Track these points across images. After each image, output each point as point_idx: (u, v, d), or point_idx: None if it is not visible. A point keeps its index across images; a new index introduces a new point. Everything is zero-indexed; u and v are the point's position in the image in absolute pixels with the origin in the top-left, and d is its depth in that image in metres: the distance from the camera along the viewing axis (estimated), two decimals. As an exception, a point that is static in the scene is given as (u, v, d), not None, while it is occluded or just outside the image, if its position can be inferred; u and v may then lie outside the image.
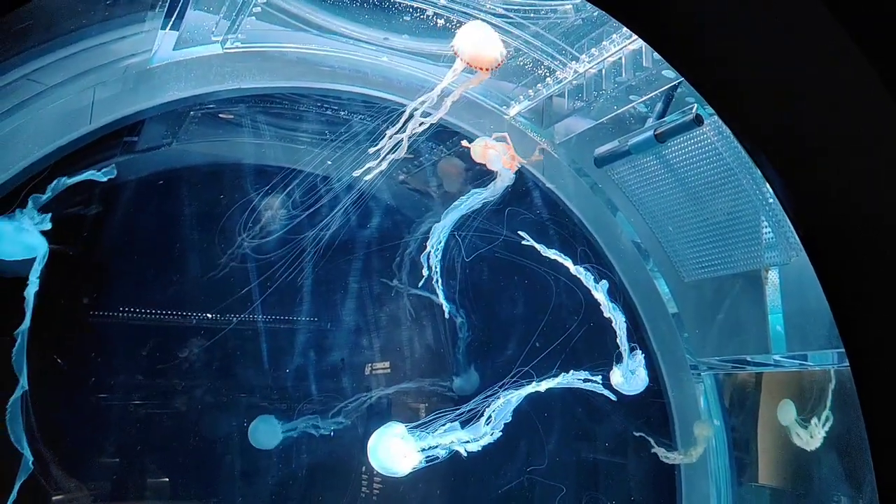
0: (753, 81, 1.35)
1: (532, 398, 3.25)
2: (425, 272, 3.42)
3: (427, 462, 2.89)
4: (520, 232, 3.27)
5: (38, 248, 2.71)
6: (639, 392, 3.26)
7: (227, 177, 3.79)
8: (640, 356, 3.22)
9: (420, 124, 3.05)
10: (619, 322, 3.20)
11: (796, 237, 2.92)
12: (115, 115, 2.69)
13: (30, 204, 2.62)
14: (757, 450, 3.82)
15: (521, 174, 3.73)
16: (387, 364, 4.37)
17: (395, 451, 2.84)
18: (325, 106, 3.57)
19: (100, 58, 2.68)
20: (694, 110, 3.04)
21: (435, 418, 2.96)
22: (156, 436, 3.77)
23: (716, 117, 3.00)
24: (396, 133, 3.06)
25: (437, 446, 2.87)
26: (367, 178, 3.64)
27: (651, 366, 3.86)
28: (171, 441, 3.78)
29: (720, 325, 3.62)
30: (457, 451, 2.91)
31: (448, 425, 2.91)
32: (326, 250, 3.88)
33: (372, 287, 4.19)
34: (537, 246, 3.26)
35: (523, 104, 3.64)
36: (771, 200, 3.07)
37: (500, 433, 2.96)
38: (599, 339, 3.44)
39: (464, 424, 2.96)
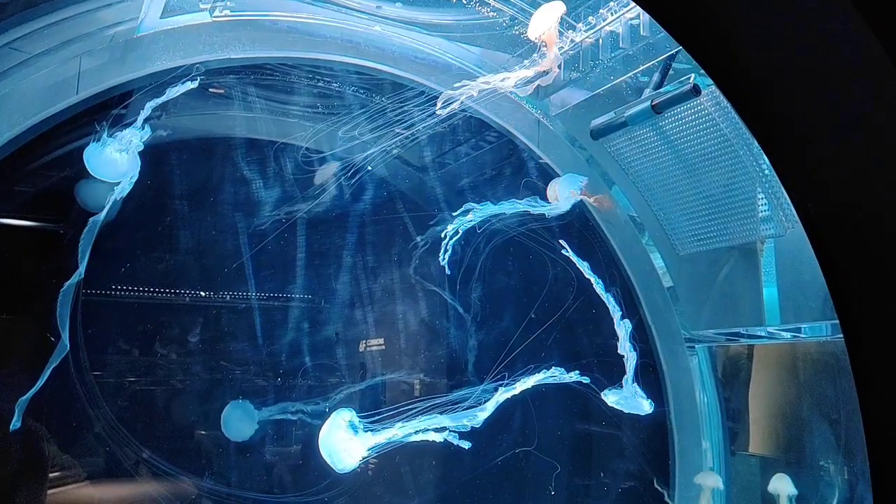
0: (757, 57, 1.33)
1: (533, 367, 3.27)
2: (442, 257, 3.44)
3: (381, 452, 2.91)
4: (560, 241, 3.34)
5: (129, 172, 2.88)
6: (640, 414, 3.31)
7: (219, 150, 3.73)
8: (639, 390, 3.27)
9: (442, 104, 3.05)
10: (630, 360, 3.24)
11: (792, 209, 2.91)
12: (103, 85, 2.63)
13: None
14: (749, 420, 3.86)
15: (514, 146, 3.70)
16: (381, 341, 4.37)
17: (342, 445, 2.85)
18: (317, 77, 3.51)
19: (85, 26, 2.61)
20: (691, 80, 3.01)
21: (422, 404, 2.98)
22: (149, 412, 3.77)
23: (713, 87, 2.97)
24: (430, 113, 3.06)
25: (415, 432, 2.88)
26: (363, 152, 3.61)
27: (645, 339, 3.89)
28: (164, 417, 3.78)
29: (715, 298, 3.63)
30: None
31: (434, 413, 2.93)
32: (321, 225, 3.85)
33: (367, 261, 4.16)
34: (574, 258, 3.32)
35: (491, 76, 3.58)
36: (767, 172, 3.05)
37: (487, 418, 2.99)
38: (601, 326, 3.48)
39: (451, 411, 2.99)
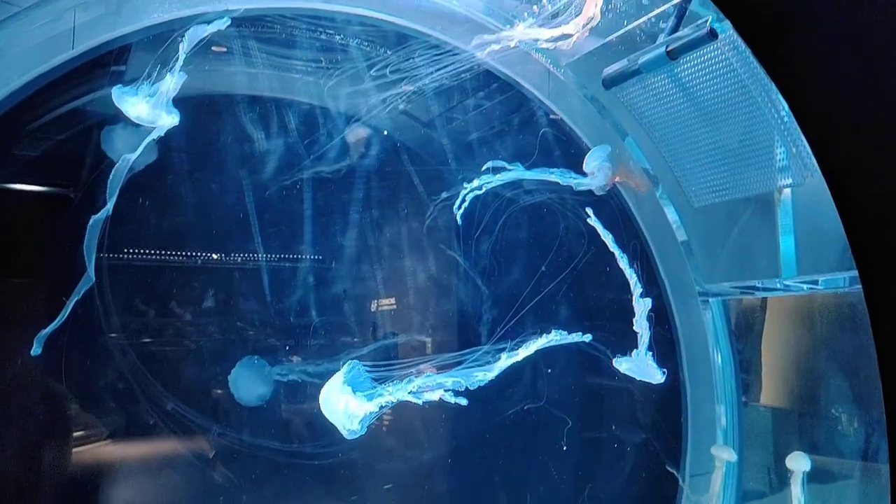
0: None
1: (540, 329, 3.27)
2: (457, 206, 3.41)
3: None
4: (587, 209, 3.30)
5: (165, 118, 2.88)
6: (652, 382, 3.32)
7: (222, 108, 3.67)
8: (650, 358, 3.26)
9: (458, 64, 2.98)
10: (643, 336, 3.24)
11: (812, 157, 2.82)
12: (99, 39, 2.57)
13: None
14: (762, 372, 3.84)
15: (524, 97, 3.61)
16: (392, 300, 4.36)
17: (345, 409, 2.87)
18: (319, 30, 3.41)
19: (77, -24, 2.53)
20: (708, 24, 2.89)
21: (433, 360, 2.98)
22: (165, 372, 3.82)
23: (731, 31, 2.84)
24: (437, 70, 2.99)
25: (422, 391, 2.90)
26: (368, 108, 3.55)
27: (658, 294, 3.85)
28: (179, 377, 3.83)
29: (730, 251, 3.57)
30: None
31: (440, 373, 2.94)
32: (327, 182, 3.81)
33: (374, 218, 4.13)
34: (600, 229, 3.30)
35: (527, 23, 3.46)
36: (786, 119, 2.95)
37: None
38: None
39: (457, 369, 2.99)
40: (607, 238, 3.31)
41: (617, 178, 3.48)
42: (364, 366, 3.00)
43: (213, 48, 3.46)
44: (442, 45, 3.43)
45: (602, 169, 3.39)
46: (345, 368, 2.93)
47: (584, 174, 3.42)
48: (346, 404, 2.85)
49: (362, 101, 3.70)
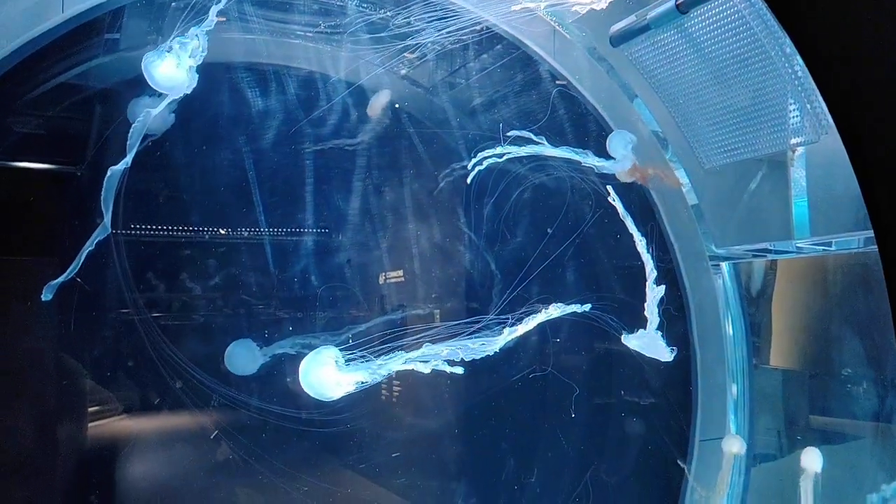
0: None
1: (547, 296, 3.24)
2: (471, 166, 3.36)
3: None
4: (608, 187, 3.28)
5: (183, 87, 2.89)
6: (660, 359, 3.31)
7: (220, 76, 3.60)
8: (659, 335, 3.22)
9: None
10: (653, 322, 3.21)
11: (827, 114, 2.73)
12: (90, 2, 2.49)
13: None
14: (773, 333, 3.81)
15: (529, 57, 3.51)
16: (399, 271, 4.33)
17: (326, 378, 2.87)
18: (316, -9, 3.32)
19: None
20: (719, -25, 2.77)
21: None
22: (177, 345, 3.84)
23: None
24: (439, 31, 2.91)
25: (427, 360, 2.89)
26: (369, 73, 3.47)
27: (669, 259, 3.80)
28: (190, 350, 3.84)
29: (741, 213, 3.50)
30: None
31: (444, 344, 2.92)
32: (328, 150, 3.76)
33: (378, 188, 4.07)
34: (620, 208, 3.26)
35: (532, -20, 3.34)
36: (801, 74, 2.84)
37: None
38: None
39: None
40: (627, 219, 3.28)
41: (651, 172, 3.43)
42: (349, 341, 3.01)
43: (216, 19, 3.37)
44: (443, 5, 3.32)
45: (627, 156, 3.34)
46: (325, 348, 2.93)
47: (607, 157, 3.37)
48: (328, 377, 2.86)
49: (363, 65, 3.62)
